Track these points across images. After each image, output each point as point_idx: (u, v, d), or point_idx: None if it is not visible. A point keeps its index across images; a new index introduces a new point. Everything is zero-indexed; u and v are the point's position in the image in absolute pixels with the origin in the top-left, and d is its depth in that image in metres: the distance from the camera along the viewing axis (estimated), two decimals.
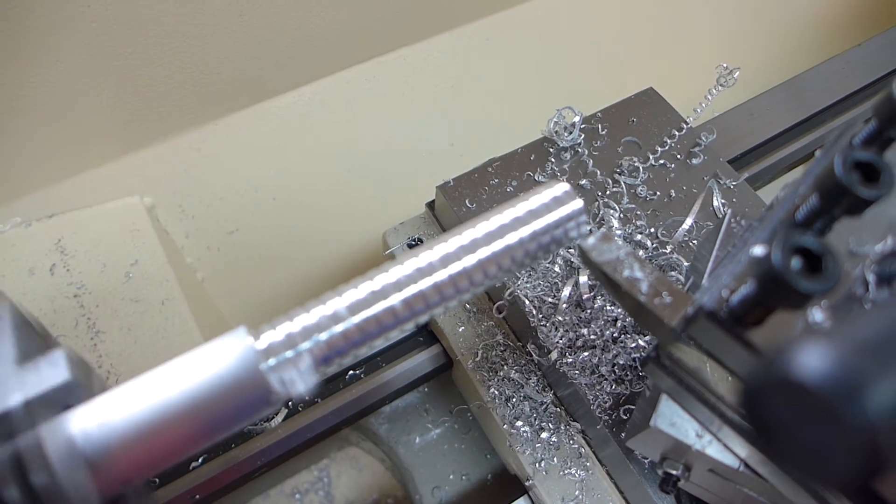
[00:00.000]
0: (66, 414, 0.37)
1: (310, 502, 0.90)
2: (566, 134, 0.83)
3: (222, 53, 1.05)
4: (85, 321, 0.87)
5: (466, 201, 0.80)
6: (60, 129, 0.99)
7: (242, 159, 1.17)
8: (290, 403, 0.79)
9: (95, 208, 0.97)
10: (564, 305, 0.69)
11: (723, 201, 0.79)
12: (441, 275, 0.44)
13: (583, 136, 0.84)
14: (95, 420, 0.37)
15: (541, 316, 0.71)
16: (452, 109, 1.30)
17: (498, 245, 0.45)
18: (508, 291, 0.73)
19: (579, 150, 0.84)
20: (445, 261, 0.44)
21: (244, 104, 1.16)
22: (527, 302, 0.71)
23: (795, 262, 0.35)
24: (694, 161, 0.84)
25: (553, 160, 0.83)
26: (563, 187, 0.48)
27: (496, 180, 0.81)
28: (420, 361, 0.85)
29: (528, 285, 0.72)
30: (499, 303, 0.76)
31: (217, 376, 0.39)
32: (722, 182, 0.82)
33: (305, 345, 0.41)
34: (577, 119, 0.82)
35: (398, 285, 0.43)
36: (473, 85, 1.31)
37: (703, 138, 0.86)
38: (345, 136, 1.23)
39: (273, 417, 0.78)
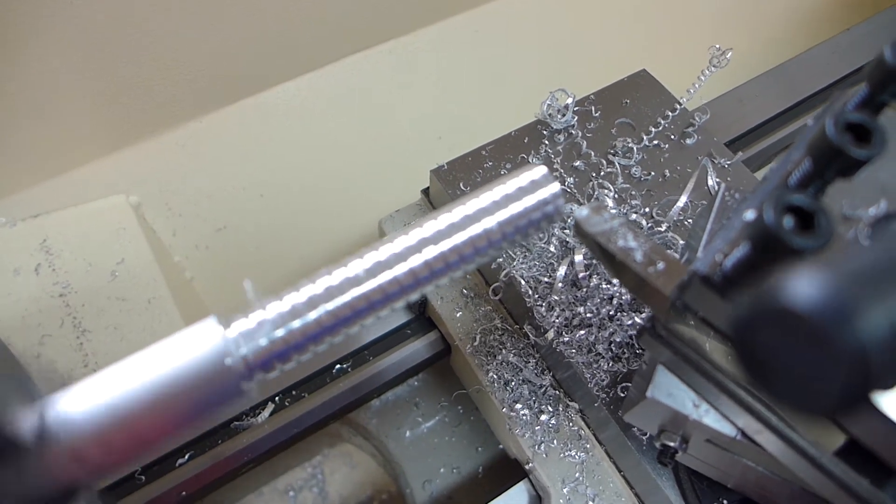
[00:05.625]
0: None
1: (304, 500, 0.90)
2: (560, 116, 0.83)
3: (206, 49, 1.04)
4: (71, 320, 0.86)
5: (461, 185, 0.80)
6: (44, 128, 0.98)
7: (229, 156, 1.16)
8: (276, 398, 0.79)
9: (80, 207, 0.95)
10: (560, 285, 0.69)
11: (717, 180, 0.79)
12: (416, 260, 0.43)
13: (576, 118, 0.84)
14: (58, 413, 0.37)
15: (537, 296, 0.71)
16: (440, 102, 1.28)
17: (475, 230, 0.45)
18: (504, 272, 0.73)
19: (573, 131, 0.84)
20: (421, 246, 0.44)
21: (229, 100, 1.15)
22: (522, 282, 0.71)
23: (788, 221, 0.35)
24: (688, 141, 0.84)
25: (547, 142, 0.83)
26: (540, 171, 0.48)
27: (490, 163, 0.81)
28: (417, 349, 0.84)
29: (523, 266, 0.72)
30: (494, 285, 0.76)
31: (185, 367, 0.39)
32: (716, 161, 0.82)
33: (278, 332, 0.40)
34: (569, 101, 0.82)
35: (371, 271, 0.42)
36: (462, 77, 1.30)
37: (697, 118, 0.85)
38: (331, 131, 1.22)
39: (260, 412, 0.77)
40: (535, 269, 0.72)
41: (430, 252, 0.43)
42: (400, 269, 0.43)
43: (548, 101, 0.83)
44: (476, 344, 0.77)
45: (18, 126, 0.95)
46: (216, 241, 1.14)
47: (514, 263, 0.73)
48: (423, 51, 1.27)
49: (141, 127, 1.08)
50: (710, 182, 0.79)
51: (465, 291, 0.81)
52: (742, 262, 0.38)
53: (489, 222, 0.45)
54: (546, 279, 0.71)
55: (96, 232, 0.94)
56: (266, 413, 0.77)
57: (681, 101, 0.87)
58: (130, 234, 0.94)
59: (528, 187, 0.46)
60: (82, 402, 0.37)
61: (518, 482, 0.77)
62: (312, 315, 0.41)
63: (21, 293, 0.87)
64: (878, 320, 0.15)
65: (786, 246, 0.33)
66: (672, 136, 0.85)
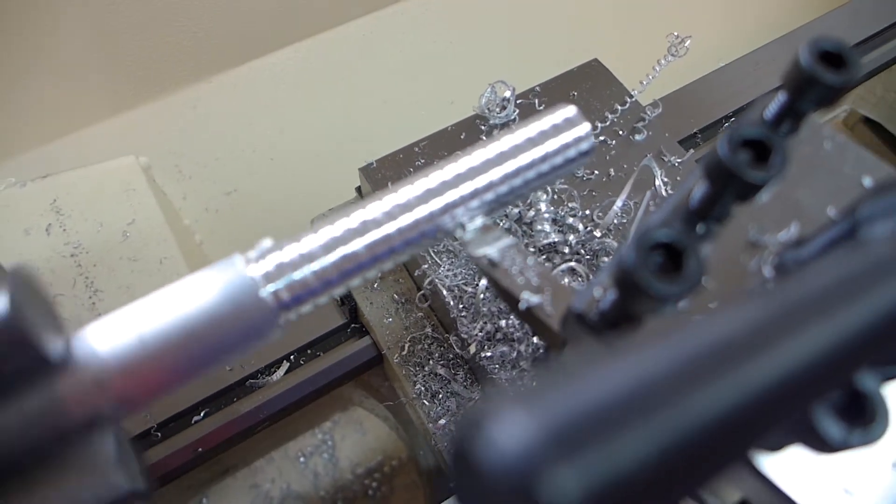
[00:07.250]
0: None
1: (314, 465, 0.90)
2: (499, 110, 0.77)
3: (216, 8, 1.02)
4: (83, 280, 0.87)
5: (390, 184, 0.74)
6: (54, 88, 0.98)
7: (239, 118, 1.14)
8: (291, 357, 0.78)
9: (90, 168, 0.96)
10: (482, 295, 0.64)
11: (665, 180, 0.74)
12: (438, 203, 0.44)
13: (517, 111, 0.79)
14: (85, 346, 0.36)
15: (461, 306, 0.66)
16: (452, 66, 1.25)
17: (510, 166, 0.47)
18: (428, 280, 0.68)
19: (513, 127, 0.78)
20: (443, 188, 0.45)
21: (239, 61, 1.13)
22: (444, 291, 0.66)
23: (655, 259, 0.30)
24: (637, 137, 0.78)
25: (484, 138, 0.77)
26: (571, 110, 0.50)
27: (423, 161, 0.76)
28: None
29: (448, 273, 0.68)
30: (420, 292, 0.71)
31: (215, 301, 0.38)
32: (666, 159, 0.76)
33: (300, 272, 0.41)
34: (508, 94, 0.76)
35: (390, 215, 0.44)
36: (474, 40, 1.26)
37: (648, 113, 0.80)
38: (343, 92, 1.20)
39: (275, 371, 0.77)
40: (460, 277, 0.67)
41: (454, 195, 0.45)
42: (419, 213, 0.43)
43: (486, 94, 0.77)
44: (404, 353, 0.72)
45: (27, 85, 0.95)
46: (226, 204, 1.13)
47: (440, 271, 0.68)
48: (435, 12, 1.24)
49: (150, 87, 1.07)
50: (657, 182, 0.74)
51: (395, 297, 0.76)
52: (615, 302, 0.33)
53: (524, 159, 0.47)
54: (471, 289, 0.66)
55: (106, 192, 0.95)
56: (281, 371, 0.77)
57: (632, 93, 0.81)
58: (141, 195, 0.95)
59: (562, 125, 0.49)
60: (112, 332, 0.37)
61: (450, 497, 0.74)
62: (331, 257, 0.41)
63: (32, 253, 0.88)
64: (568, 484, 0.11)
65: (645, 291, 0.28)
66: (620, 132, 0.79)
